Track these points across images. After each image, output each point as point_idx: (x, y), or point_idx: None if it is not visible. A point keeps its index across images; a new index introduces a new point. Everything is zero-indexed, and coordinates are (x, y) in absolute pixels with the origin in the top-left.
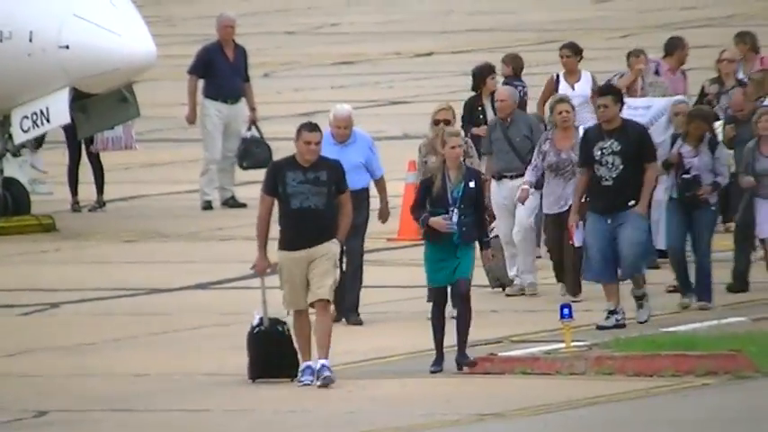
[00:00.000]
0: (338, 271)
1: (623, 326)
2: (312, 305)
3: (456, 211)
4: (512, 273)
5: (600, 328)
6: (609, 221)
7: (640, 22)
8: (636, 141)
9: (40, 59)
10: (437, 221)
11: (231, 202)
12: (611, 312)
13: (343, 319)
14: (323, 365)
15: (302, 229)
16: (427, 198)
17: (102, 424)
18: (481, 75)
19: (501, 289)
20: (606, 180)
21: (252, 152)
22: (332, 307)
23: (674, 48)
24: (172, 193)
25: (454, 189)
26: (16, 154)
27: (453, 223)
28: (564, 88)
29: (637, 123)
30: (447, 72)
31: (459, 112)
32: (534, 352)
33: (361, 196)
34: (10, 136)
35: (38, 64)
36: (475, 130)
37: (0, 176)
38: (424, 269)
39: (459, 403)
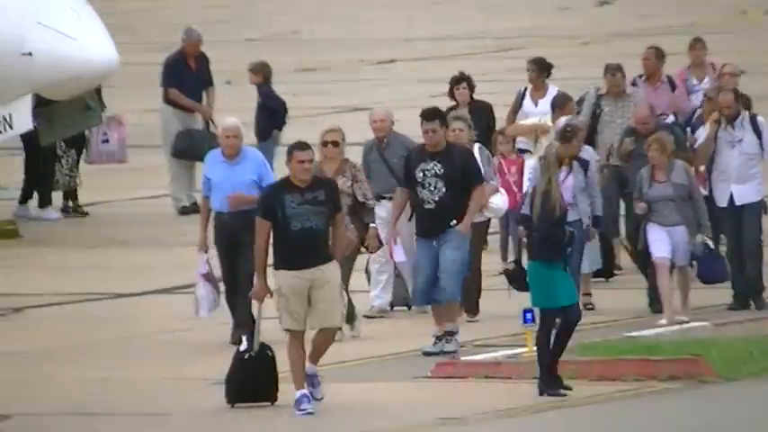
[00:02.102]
0: (345, 297)
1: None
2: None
3: None
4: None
5: (426, 354)
6: (435, 243)
7: (601, 30)
8: (460, 165)
9: (2, 66)
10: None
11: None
12: (439, 338)
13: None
14: (312, 370)
15: (303, 251)
16: None
17: (65, 429)
18: (450, 84)
19: (407, 307)
20: (428, 203)
21: (194, 143)
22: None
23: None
24: (135, 199)
25: None
26: None
27: None
28: (528, 104)
29: (463, 147)
30: (408, 80)
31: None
32: (497, 356)
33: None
34: None
35: (0, 71)
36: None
37: None
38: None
39: (421, 408)
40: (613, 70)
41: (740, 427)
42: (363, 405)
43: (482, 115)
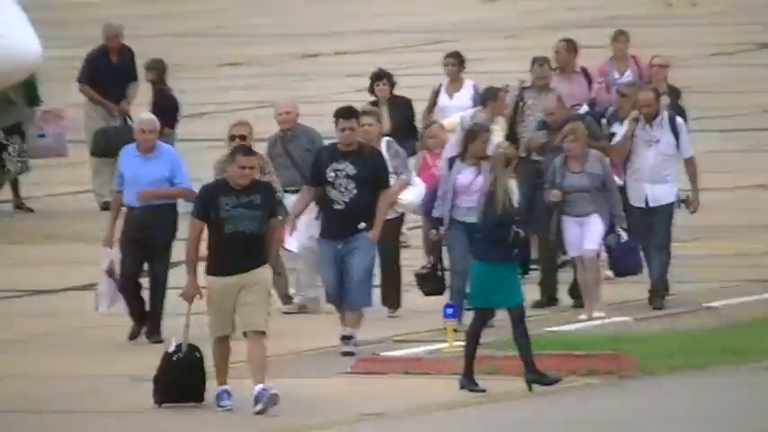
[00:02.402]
0: (271, 299)
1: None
2: (245, 334)
3: None
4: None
5: (344, 354)
6: (339, 246)
7: (525, 23)
8: (371, 166)
9: None
10: None
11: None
12: (347, 338)
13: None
14: (262, 389)
15: (235, 255)
16: None
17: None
18: (370, 80)
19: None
20: (338, 204)
21: (109, 140)
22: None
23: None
24: (59, 195)
25: None
26: None
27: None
28: (443, 99)
29: (373, 148)
30: (335, 73)
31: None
32: (417, 352)
33: (166, 210)
34: None
35: None
36: None
37: None
38: None
39: (343, 403)
40: (541, 61)
41: (657, 421)
42: (284, 401)
43: (402, 110)
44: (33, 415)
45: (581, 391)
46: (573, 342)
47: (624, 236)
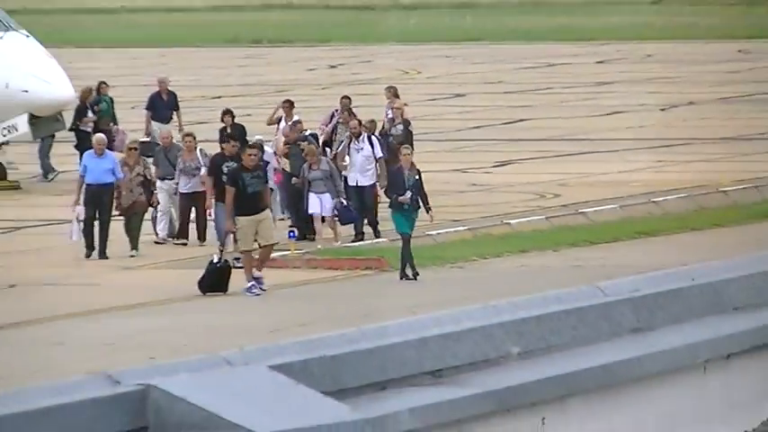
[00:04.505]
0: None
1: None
2: (260, 245)
3: None
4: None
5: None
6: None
7: None
8: None
9: (12, 98)
10: None
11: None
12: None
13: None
14: (260, 275)
15: (253, 204)
16: None
17: None
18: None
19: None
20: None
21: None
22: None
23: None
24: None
25: None
26: None
27: None
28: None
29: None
30: None
31: None
32: (276, 256)
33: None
34: None
35: (11, 100)
36: None
37: None
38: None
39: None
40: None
41: (404, 297)
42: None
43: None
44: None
45: (358, 279)
46: (357, 252)
47: (345, 202)
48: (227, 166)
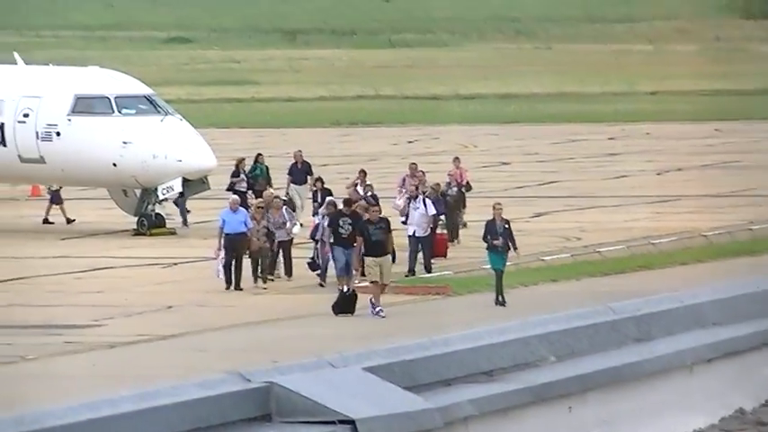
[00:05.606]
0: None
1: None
2: (380, 283)
3: None
4: None
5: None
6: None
7: None
8: None
9: (170, 167)
10: None
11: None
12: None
13: None
14: (381, 308)
15: (376, 249)
16: None
17: None
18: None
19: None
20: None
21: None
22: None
23: None
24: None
25: None
26: (160, 203)
27: None
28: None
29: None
30: None
31: None
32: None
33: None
34: (157, 196)
35: (168, 167)
36: None
37: (154, 212)
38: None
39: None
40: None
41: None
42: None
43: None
44: None
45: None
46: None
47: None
48: (343, 221)
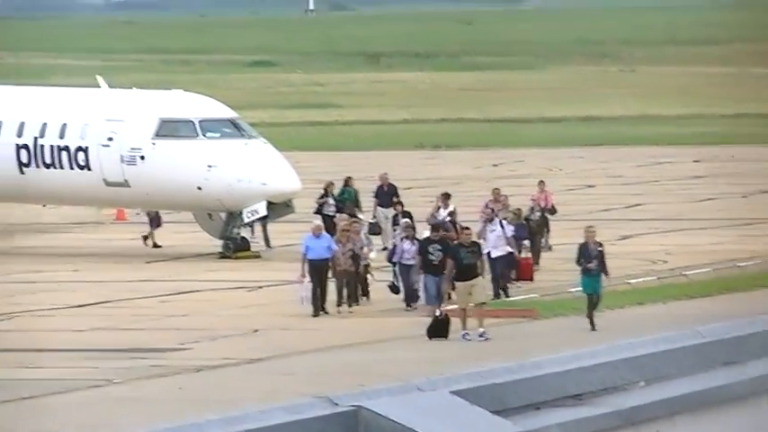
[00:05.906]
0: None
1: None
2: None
3: None
4: None
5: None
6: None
7: None
8: None
9: (255, 191)
10: None
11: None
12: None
13: None
14: (483, 331)
15: (467, 272)
16: None
17: None
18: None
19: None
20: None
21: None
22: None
23: None
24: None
25: None
26: (245, 227)
27: None
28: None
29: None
30: None
31: None
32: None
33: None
34: (242, 219)
35: (253, 191)
36: None
37: (240, 235)
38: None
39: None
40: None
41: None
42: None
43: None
44: None
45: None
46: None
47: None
48: (433, 247)
